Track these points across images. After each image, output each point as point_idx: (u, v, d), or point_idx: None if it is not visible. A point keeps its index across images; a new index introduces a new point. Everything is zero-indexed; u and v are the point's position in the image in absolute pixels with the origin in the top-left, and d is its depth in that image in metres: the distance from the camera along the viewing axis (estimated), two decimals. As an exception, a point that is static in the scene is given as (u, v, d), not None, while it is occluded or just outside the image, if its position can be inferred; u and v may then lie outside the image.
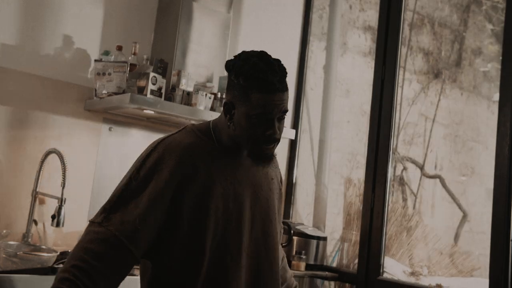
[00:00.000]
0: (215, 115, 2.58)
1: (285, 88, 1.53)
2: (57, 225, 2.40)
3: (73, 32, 2.79)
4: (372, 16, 4.15)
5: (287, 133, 2.98)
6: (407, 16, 4.32)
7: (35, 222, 2.58)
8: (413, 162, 4.27)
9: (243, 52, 1.56)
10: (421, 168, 4.27)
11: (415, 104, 4.39)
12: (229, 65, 1.55)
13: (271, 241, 1.65)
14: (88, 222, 1.48)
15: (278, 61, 1.54)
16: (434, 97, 4.50)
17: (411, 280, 2.97)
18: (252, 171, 1.64)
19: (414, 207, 4.12)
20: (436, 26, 4.49)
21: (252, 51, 1.55)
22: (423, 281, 2.94)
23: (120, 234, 1.40)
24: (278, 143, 1.61)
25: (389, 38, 3.07)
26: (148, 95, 2.52)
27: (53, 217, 2.40)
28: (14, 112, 2.60)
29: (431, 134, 4.40)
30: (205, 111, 2.66)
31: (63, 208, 2.41)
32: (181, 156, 1.50)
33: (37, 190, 2.58)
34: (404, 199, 4.14)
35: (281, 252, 1.87)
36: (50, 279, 1.38)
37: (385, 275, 2.87)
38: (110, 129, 2.87)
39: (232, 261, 1.52)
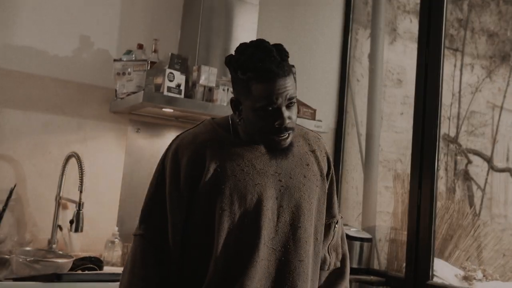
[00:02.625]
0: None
1: (286, 73, 1.44)
2: (76, 230, 2.34)
3: (95, 32, 2.74)
4: (425, -2, 3.83)
5: (323, 126, 2.76)
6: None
7: (60, 228, 2.54)
8: (479, 154, 3.89)
9: (240, 44, 1.50)
10: (489, 161, 3.88)
11: (480, 92, 4.01)
12: (227, 60, 1.50)
13: (302, 234, 1.52)
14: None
15: (278, 45, 1.47)
16: (502, 82, 4.09)
17: (464, 284, 2.65)
18: (276, 160, 1.54)
19: (481, 204, 3.75)
20: (502, 4, 4.08)
21: (251, 41, 1.49)
22: (478, 286, 2.62)
23: (155, 239, 1.48)
24: (292, 131, 1.50)
25: (432, 18, 2.78)
26: (165, 92, 2.41)
27: (71, 222, 2.35)
28: (38, 117, 2.59)
29: (499, 123, 3.99)
30: (227, 106, 2.51)
31: (81, 212, 2.35)
32: (193, 152, 1.49)
33: (61, 195, 2.54)
34: (469, 196, 3.77)
35: (334, 253, 1.70)
36: (56, 286, 1.34)
37: (435, 279, 2.58)
38: (137, 130, 2.79)
39: (249, 255, 1.44)
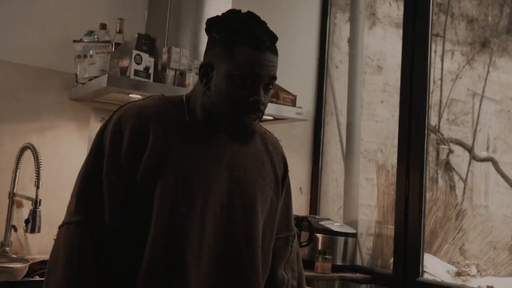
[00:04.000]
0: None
1: (275, 51, 1.32)
2: (32, 230, 2.09)
3: (54, 12, 2.47)
4: (404, -19, 3.67)
5: (304, 114, 2.56)
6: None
7: (14, 228, 2.27)
8: (460, 144, 3.76)
9: (229, 9, 1.35)
10: (470, 150, 3.75)
11: (460, 79, 3.88)
12: (210, 22, 1.33)
13: (257, 239, 1.34)
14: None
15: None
16: (482, 69, 3.97)
17: (457, 281, 2.50)
18: (231, 150, 1.36)
19: (463, 195, 3.62)
20: (481, -11, 3.95)
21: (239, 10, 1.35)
22: (472, 282, 2.46)
23: (93, 226, 1.26)
24: (260, 119, 1.33)
25: (419, 2, 2.61)
26: (132, 76, 2.17)
27: (26, 221, 2.09)
28: (-12, 105, 2.31)
29: (480, 112, 3.87)
30: (200, 92, 2.28)
31: (38, 211, 2.09)
32: (137, 124, 1.29)
33: (15, 191, 2.27)
34: (451, 186, 3.64)
35: (293, 267, 1.53)
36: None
37: (425, 275, 2.42)
38: (101, 119, 2.53)
39: (188, 256, 1.26)
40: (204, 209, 1.27)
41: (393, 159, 3.38)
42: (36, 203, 2.09)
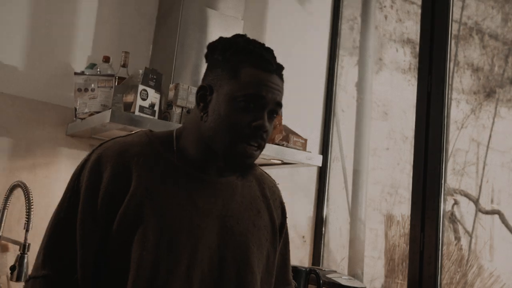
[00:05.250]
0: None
1: (282, 77, 1.23)
2: (18, 279, 1.89)
3: (55, 43, 2.33)
4: (411, 28, 3.62)
5: (314, 159, 2.42)
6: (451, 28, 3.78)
7: (-3, 274, 2.07)
8: (466, 195, 3.64)
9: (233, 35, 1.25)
10: (475, 202, 3.63)
11: (465, 128, 3.79)
12: (212, 44, 1.23)
13: None
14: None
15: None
16: (487, 119, 3.90)
17: None
18: (224, 197, 1.20)
19: (469, 249, 3.47)
20: (487, 39, 3.92)
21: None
22: None
23: (63, 281, 1.12)
24: (261, 149, 1.21)
25: (434, 51, 2.53)
26: (137, 112, 2.02)
27: (12, 268, 1.89)
28: (-22, 138, 2.14)
29: (485, 162, 3.78)
30: (209, 132, 2.14)
31: (26, 256, 1.90)
32: (118, 165, 1.14)
33: (0, 234, 2.07)
34: (457, 238, 3.49)
35: None
36: None
37: (442, 338, 2.25)
38: (98, 158, 2.37)
39: None
40: (191, 267, 1.11)
41: (399, 209, 3.25)
42: (24, 247, 1.90)
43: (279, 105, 1.20)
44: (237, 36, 1.21)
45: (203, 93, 1.20)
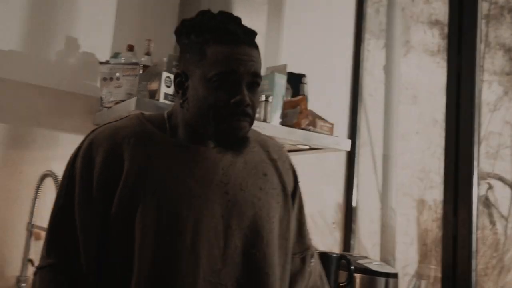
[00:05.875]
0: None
1: (253, 44, 1.17)
2: (50, 265, 1.91)
3: (79, 33, 2.35)
4: (439, 9, 3.53)
5: (342, 143, 2.38)
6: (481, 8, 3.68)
7: (32, 263, 2.10)
8: (500, 179, 3.55)
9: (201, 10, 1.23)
10: (511, 186, 3.54)
11: (498, 110, 3.70)
12: (178, 28, 1.22)
13: (261, 264, 1.13)
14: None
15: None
16: (520, 101, 3.80)
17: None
18: (223, 166, 1.17)
19: (505, 233, 3.39)
20: (518, 17, 3.80)
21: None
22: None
23: (69, 268, 1.12)
24: (250, 123, 1.18)
25: (463, 31, 2.46)
26: (161, 100, 2.02)
27: (44, 255, 1.92)
28: (9, 129, 2.17)
29: (520, 145, 3.68)
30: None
31: (57, 244, 1.92)
32: (109, 149, 1.15)
33: (33, 222, 2.11)
34: (492, 222, 3.41)
35: None
36: None
37: (477, 323, 2.20)
38: (125, 147, 2.38)
39: None
40: (195, 238, 1.09)
41: (430, 194, 3.19)
42: (55, 235, 1.92)
43: (256, 75, 1.15)
44: (200, 14, 1.18)
45: (180, 80, 1.19)
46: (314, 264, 1.35)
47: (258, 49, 1.18)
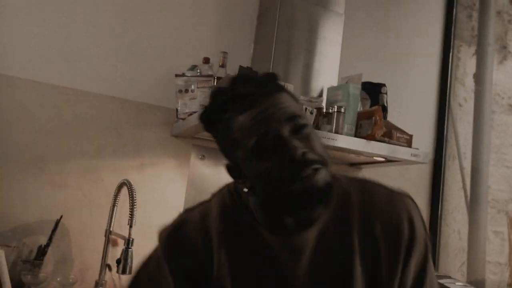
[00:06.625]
0: (319, 133, 2.00)
1: (272, 90, 1.01)
2: (123, 271, 1.99)
3: (157, 47, 2.44)
4: (541, 11, 3.27)
5: (420, 155, 2.26)
6: None
7: (109, 268, 2.19)
8: None
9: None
10: None
11: None
12: (201, 119, 1.12)
13: None
14: None
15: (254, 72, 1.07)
16: None
17: None
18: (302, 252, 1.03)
19: None
20: None
21: None
22: None
23: None
24: (323, 165, 0.97)
25: None
26: (231, 112, 2.03)
27: (118, 261, 2.00)
28: (91, 139, 2.29)
29: None
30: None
31: (130, 250, 2.00)
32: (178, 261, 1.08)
33: (111, 229, 2.21)
34: None
35: None
36: None
37: None
38: (201, 157, 2.43)
39: None
40: None
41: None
42: (128, 242, 2.00)
43: (293, 117, 0.98)
44: (213, 98, 1.09)
45: (234, 170, 1.07)
46: None
47: (285, 90, 1.05)
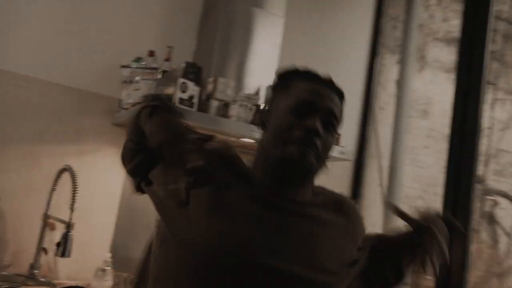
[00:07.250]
0: (255, 130, 2.15)
1: (336, 91, 1.25)
2: (62, 254, 2.05)
3: (103, 37, 2.48)
4: (457, 26, 3.59)
5: (347, 153, 2.47)
6: (499, 27, 3.72)
7: (45, 251, 2.24)
8: (506, 196, 3.60)
9: None
10: (518, 203, 3.58)
11: (509, 129, 3.74)
12: (279, 72, 1.29)
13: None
14: None
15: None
16: (533, 121, 3.83)
17: None
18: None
19: (509, 250, 3.44)
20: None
21: None
22: None
23: None
24: (318, 157, 1.15)
25: (474, 49, 2.52)
26: (176, 104, 2.13)
27: (58, 244, 2.06)
28: (32, 124, 2.31)
29: (529, 164, 3.71)
30: (244, 124, 2.24)
31: (70, 234, 2.06)
32: None
33: (49, 213, 2.24)
34: (495, 240, 3.47)
35: None
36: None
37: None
38: (140, 146, 2.51)
39: None
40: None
41: (434, 208, 3.26)
42: (68, 226, 2.06)
43: (333, 114, 1.18)
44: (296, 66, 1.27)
45: (263, 114, 1.25)
46: None
47: (343, 100, 1.27)
